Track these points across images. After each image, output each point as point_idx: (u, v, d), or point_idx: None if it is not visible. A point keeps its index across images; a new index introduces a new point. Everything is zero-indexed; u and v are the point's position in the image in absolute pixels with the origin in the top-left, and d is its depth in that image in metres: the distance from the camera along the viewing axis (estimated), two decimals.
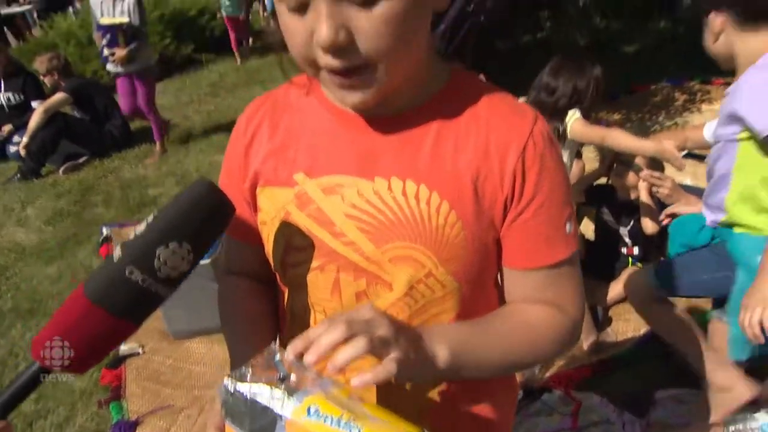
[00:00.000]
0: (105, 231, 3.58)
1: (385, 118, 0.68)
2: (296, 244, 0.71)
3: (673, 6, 6.64)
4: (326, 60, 0.59)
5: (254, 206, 0.76)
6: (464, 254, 0.68)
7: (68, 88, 4.74)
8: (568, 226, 0.70)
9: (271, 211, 0.73)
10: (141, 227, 0.66)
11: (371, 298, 0.69)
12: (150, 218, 0.66)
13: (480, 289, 0.73)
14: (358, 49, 0.58)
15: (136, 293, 0.63)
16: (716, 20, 1.50)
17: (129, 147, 5.01)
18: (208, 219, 0.66)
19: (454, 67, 0.73)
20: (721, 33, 1.51)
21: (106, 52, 4.42)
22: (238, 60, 7.51)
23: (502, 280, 0.75)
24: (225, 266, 0.85)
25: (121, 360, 2.46)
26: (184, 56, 7.59)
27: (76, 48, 6.94)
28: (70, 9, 8.18)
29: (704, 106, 4.34)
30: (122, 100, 4.74)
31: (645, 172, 2.23)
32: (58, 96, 4.68)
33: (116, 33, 4.32)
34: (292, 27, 0.59)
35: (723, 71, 1.78)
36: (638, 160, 2.43)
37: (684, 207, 2.11)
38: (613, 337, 2.36)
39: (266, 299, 0.82)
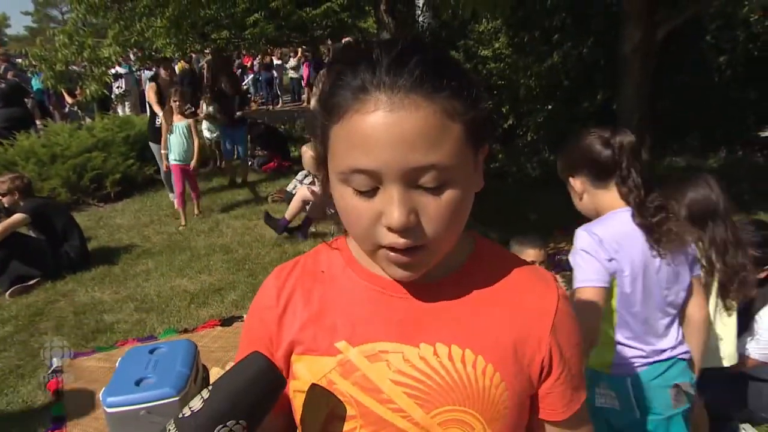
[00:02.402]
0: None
1: (423, 285, 0.72)
2: (340, 412, 0.70)
3: None
4: (391, 239, 0.63)
5: (286, 374, 0.76)
6: (507, 413, 0.71)
7: (28, 209, 4.62)
8: (582, 368, 0.78)
9: (310, 379, 0.72)
10: (196, 404, 0.64)
11: None
12: (205, 394, 0.65)
13: None
14: (423, 230, 0.62)
15: None
16: (576, 182, 1.65)
17: (85, 269, 4.82)
18: (265, 395, 0.65)
19: (475, 234, 0.79)
20: (584, 192, 1.65)
21: None
22: (183, 219, 5.94)
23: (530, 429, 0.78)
24: None
25: None
26: (147, 176, 7.62)
27: (35, 166, 6.88)
28: (32, 129, 8.22)
29: None
30: None
31: None
32: (17, 217, 4.55)
33: None
34: (360, 208, 0.63)
35: None
36: None
37: None
38: None
39: None
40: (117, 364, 2.67)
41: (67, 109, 10.60)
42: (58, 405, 2.92)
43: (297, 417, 0.75)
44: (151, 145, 6.53)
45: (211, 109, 7.17)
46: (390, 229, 0.62)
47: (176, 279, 4.58)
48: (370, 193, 0.62)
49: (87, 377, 3.17)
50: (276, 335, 0.75)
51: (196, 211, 6.17)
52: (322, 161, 0.69)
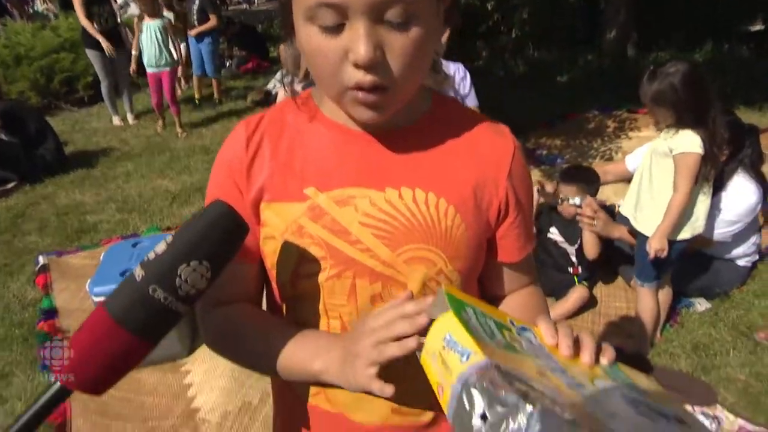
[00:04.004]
0: (41, 260, 3.39)
1: (387, 133, 0.74)
2: (310, 255, 0.73)
3: (599, 41, 7.11)
4: (357, 76, 0.63)
5: (256, 222, 0.77)
6: (467, 252, 0.75)
7: None
8: (533, 218, 0.85)
9: (280, 225, 0.74)
10: (160, 246, 0.67)
11: (385, 299, 0.73)
12: (168, 238, 0.67)
13: (472, 283, 0.82)
14: (388, 67, 0.63)
15: (158, 312, 0.63)
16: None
17: (63, 172, 4.78)
18: (226, 238, 0.68)
19: (432, 90, 0.80)
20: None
21: None
22: (159, 125, 5.76)
23: (486, 275, 0.84)
24: (212, 298, 0.77)
25: None
26: None
27: (0, 69, 6.62)
28: None
29: (632, 133, 4.66)
30: None
31: (586, 203, 2.47)
32: None
33: None
34: (326, 47, 0.63)
35: None
36: (574, 193, 2.63)
37: (616, 234, 2.50)
38: None
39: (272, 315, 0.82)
40: (101, 258, 2.74)
41: (29, 9, 9.99)
42: (48, 298, 3.00)
43: (268, 262, 0.78)
44: (88, 52, 5.70)
45: (170, 16, 6.02)
46: (357, 65, 0.62)
47: (157, 180, 4.57)
48: (336, 29, 0.61)
49: (73, 273, 3.24)
50: (245, 183, 0.76)
51: (178, 129, 5.62)
52: (285, 3, 0.67)
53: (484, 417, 0.40)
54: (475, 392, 0.42)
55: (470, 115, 0.80)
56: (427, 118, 0.76)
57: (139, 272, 0.65)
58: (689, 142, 2.05)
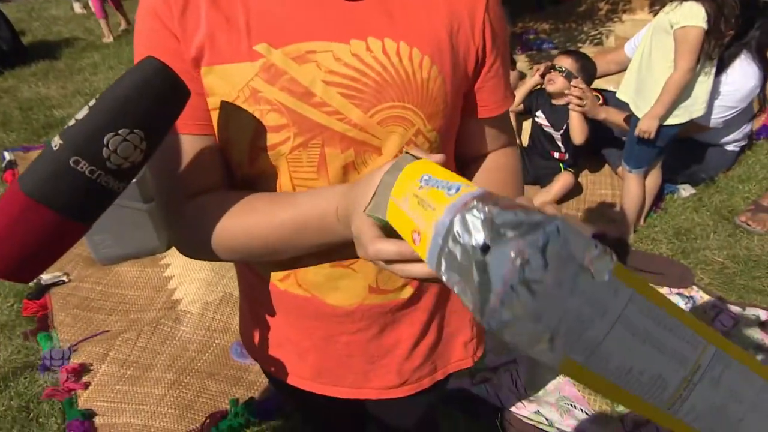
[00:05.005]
0: (8, 155, 3.26)
1: None
2: (270, 123, 0.63)
3: None
4: None
5: (199, 85, 0.64)
6: (444, 108, 0.67)
7: None
8: (509, 72, 0.77)
9: (229, 92, 0.63)
10: (82, 112, 0.57)
11: (359, 168, 0.65)
12: (92, 102, 0.57)
13: (450, 144, 0.74)
14: None
15: (83, 187, 0.55)
16: None
17: (23, 64, 4.49)
18: (162, 101, 0.58)
19: None
20: None
21: None
22: (106, 34, 5.12)
23: (462, 135, 0.76)
24: (182, 189, 0.67)
25: (44, 289, 2.31)
26: None
27: None
28: None
29: (625, 16, 4.43)
30: None
31: (573, 84, 2.36)
32: None
33: None
34: None
35: None
36: (568, 65, 2.49)
37: (602, 115, 2.44)
38: None
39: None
40: None
41: None
42: None
43: (222, 137, 0.67)
44: None
45: None
46: None
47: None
48: None
49: None
50: (183, 38, 0.62)
51: (123, 24, 5.27)
52: None
53: (485, 248, 0.33)
54: (471, 218, 0.34)
55: None
56: None
57: (56, 141, 0.55)
58: (692, 14, 1.89)
